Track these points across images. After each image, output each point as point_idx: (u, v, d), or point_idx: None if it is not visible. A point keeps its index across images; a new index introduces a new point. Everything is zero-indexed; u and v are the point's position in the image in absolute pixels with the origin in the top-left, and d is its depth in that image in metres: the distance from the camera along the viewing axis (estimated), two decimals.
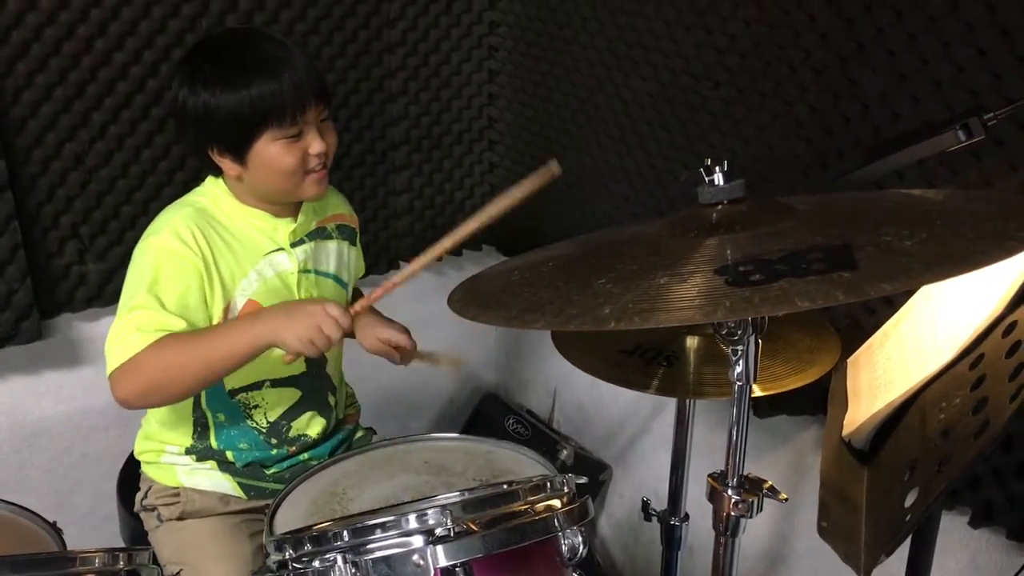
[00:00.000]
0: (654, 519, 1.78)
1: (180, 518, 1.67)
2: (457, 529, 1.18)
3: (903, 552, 1.25)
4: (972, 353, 1.17)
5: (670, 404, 1.72)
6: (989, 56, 1.48)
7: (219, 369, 1.52)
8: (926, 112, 1.58)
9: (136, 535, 1.74)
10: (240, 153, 1.53)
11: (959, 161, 1.54)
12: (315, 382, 1.74)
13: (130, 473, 1.80)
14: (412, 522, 1.20)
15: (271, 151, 1.52)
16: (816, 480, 1.36)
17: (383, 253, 2.57)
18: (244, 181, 1.58)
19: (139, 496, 1.74)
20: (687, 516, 1.78)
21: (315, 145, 1.54)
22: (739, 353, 1.14)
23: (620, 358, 1.59)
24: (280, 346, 1.49)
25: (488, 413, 2.83)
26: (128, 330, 1.48)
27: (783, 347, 1.56)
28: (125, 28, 2.02)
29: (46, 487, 2.28)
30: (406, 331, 1.75)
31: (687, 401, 1.71)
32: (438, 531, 1.18)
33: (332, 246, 1.75)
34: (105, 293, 2.19)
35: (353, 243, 1.82)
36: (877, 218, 1.11)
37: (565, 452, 2.61)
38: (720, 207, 1.16)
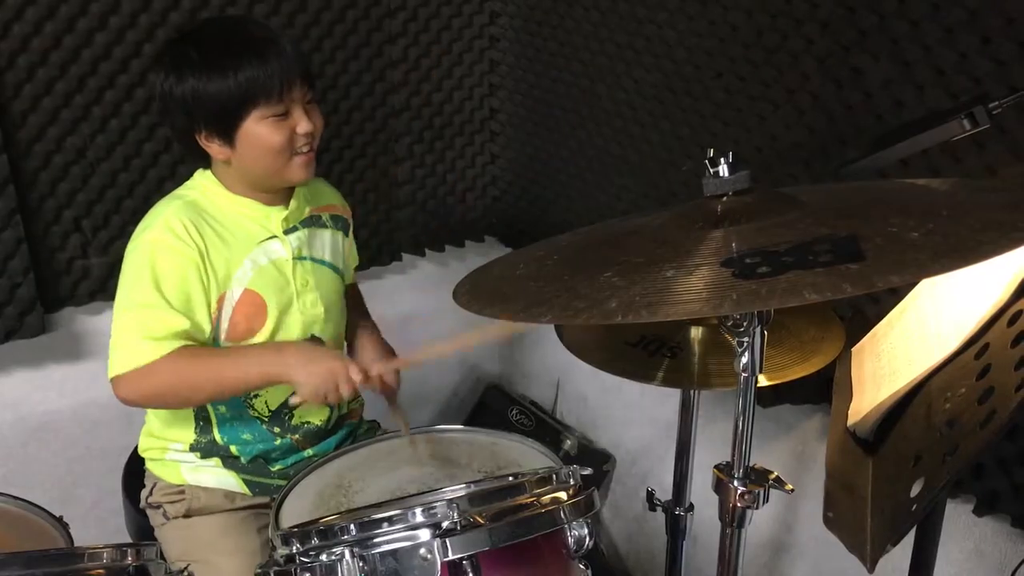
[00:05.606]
0: (659, 509, 1.78)
1: (186, 515, 1.67)
2: (464, 522, 1.18)
3: (908, 540, 1.25)
4: (978, 342, 1.17)
5: (674, 393, 1.72)
6: (992, 43, 1.47)
7: (229, 390, 1.60)
8: (929, 99, 1.58)
9: (142, 530, 1.74)
10: (228, 135, 1.54)
11: (963, 149, 1.53)
12: None
13: (134, 468, 1.80)
14: (419, 516, 1.20)
15: (259, 130, 1.53)
16: (820, 469, 1.36)
17: (385, 245, 2.56)
18: (233, 165, 1.59)
19: (144, 493, 1.74)
20: (692, 506, 1.78)
21: (302, 124, 1.55)
22: (745, 345, 1.14)
23: (624, 350, 1.58)
24: (293, 387, 1.56)
25: (492, 404, 2.83)
26: (137, 334, 1.51)
27: (787, 336, 1.56)
28: (125, 22, 2.02)
29: (52, 481, 2.27)
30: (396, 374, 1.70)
31: (691, 392, 1.70)
32: (445, 524, 1.18)
33: (327, 235, 1.75)
34: (108, 287, 2.19)
35: (347, 234, 1.82)
36: (883, 209, 1.10)
37: (569, 442, 2.61)
38: (725, 199, 1.16)
